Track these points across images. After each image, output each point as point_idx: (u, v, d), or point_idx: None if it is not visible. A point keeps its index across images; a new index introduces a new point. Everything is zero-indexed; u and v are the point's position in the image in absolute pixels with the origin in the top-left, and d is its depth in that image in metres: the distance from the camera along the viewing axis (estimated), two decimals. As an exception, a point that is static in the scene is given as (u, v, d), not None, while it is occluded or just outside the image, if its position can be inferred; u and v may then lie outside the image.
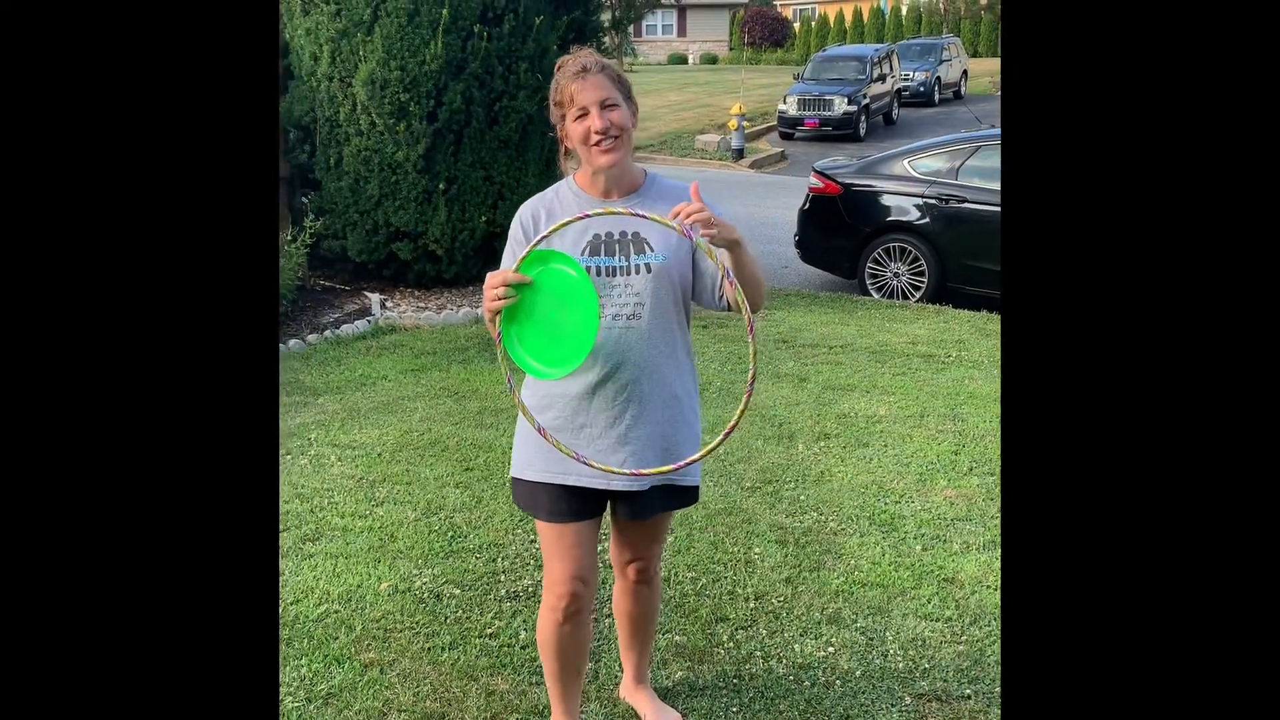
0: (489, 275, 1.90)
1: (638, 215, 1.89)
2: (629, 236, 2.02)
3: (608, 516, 2.22)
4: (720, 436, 1.90)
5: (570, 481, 2.06)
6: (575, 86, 1.95)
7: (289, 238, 6.23)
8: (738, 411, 1.87)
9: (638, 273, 2.00)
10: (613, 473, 1.95)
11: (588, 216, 1.89)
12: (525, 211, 2.09)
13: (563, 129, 2.02)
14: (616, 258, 2.00)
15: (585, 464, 1.92)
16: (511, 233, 2.09)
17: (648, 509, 2.13)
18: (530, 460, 2.11)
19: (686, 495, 2.18)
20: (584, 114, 1.96)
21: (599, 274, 1.98)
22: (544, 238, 1.86)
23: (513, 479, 2.18)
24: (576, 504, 2.09)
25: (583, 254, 1.99)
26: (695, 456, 1.98)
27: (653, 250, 2.01)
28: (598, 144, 1.95)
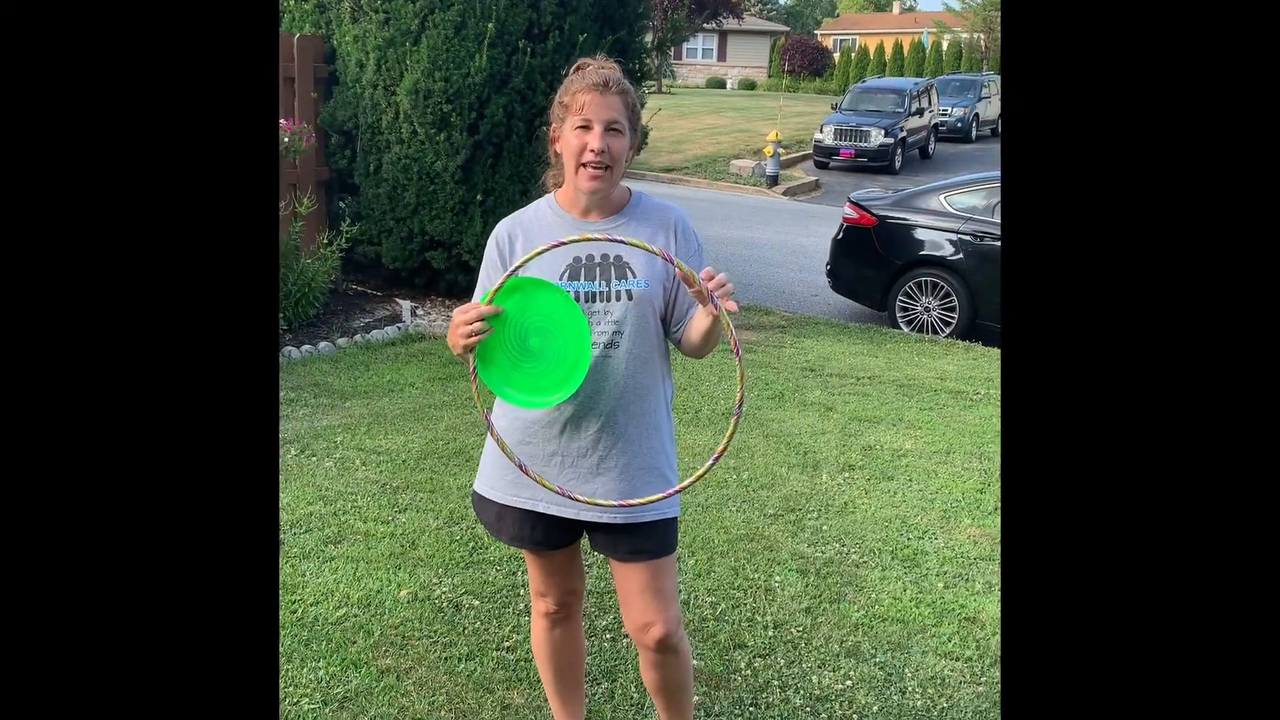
0: (457, 311, 1.81)
1: (614, 240, 1.76)
2: (610, 260, 1.92)
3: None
4: (692, 478, 1.82)
5: (540, 508, 1.98)
6: (589, 98, 1.85)
7: (325, 241, 6.28)
8: (716, 451, 1.80)
9: (618, 299, 1.90)
10: (582, 502, 1.86)
11: (562, 244, 1.75)
12: (501, 230, 1.98)
13: (557, 130, 1.93)
14: (597, 282, 1.90)
15: (569, 496, 1.85)
16: (486, 253, 1.99)
17: (619, 544, 1.99)
18: (494, 480, 2.03)
19: (659, 531, 1.99)
20: (586, 128, 1.86)
21: (578, 300, 1.88)
22: (515, 270, 1.76)
23: (475, 493, 2.10)
24: (541, 532, 2.02)
25: (561, 278, 1.89)
26: (668, 492, 1.89)
27: (635, 276, 1.92)
28: (587, 165, 1.86)
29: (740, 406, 1.78)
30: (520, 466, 1.86)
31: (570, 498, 1.86)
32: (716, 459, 1.79)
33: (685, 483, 1.85)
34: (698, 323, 1.89)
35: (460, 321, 1.79)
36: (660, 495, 1.89)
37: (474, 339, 1.78)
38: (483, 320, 1.78)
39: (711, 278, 1.73)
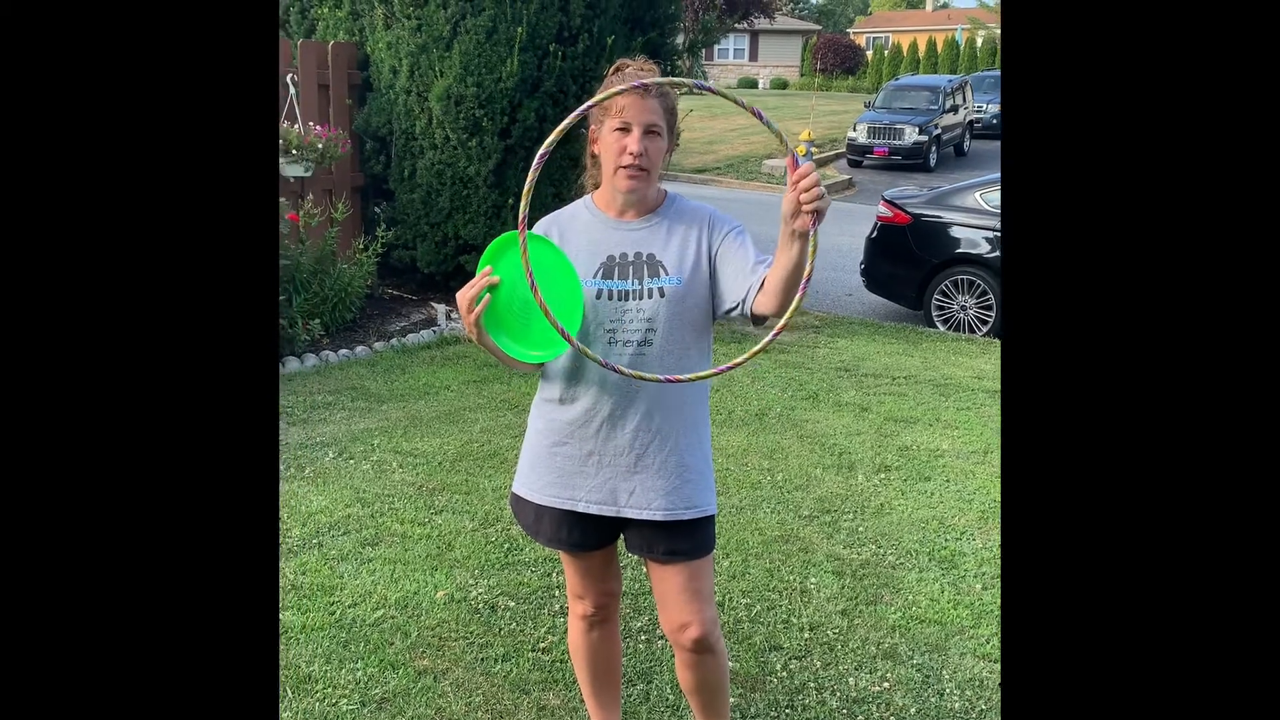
0: (458, 296, 1.84)
1: (704, 87, 1.70)
2: (643, 259, 1.92)
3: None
4: (747, 354, 1.74)
5: (579, 508, 1.98)
6: (628, 100, 1.86)
7: (360, 246, 6.35)
8: (782, 320, 1.72)
9: (650, 297, 1.90)
10: (630, 375, 1.78)
11: (642, 86, 1.75)
12: (539, 228, 2.00)
13: (596, 132, 1.94)
14: (629, 280, 1.91)
15: (616, 370, 1.77)
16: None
17: (656, 544, 1.99)
18: (532, 482, 2.04)
19: (698, 530, 2.00)
20: (625, 130, 1.87)
21: (610, 298, 1.90)
22: (536, 167, 1.68)
23: (513, 495, 2.10)
24: (578, 534, 2.02)
25: (595, 276, 1.91)
26: (707, 373, 1.82)
27: (667, 273, 1.92)
28: (625, 167, 1.87)
29: (808, 281, 1.66)
30: (609, 364, 1.77)
31: (620, 370, 1.78)
32: (779, 331, 1.73)
33: (754, 350, 1.73)
34: (778, 266, 1.75)
35: (464, 304, 1.83)
36: (724, 367, 1.79)
37: (476, 314, 1.81)
38: (483, 297, 1.81)
39: (804, 178, 1.62)
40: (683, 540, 1.99)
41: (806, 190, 1.62)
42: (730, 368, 1.79)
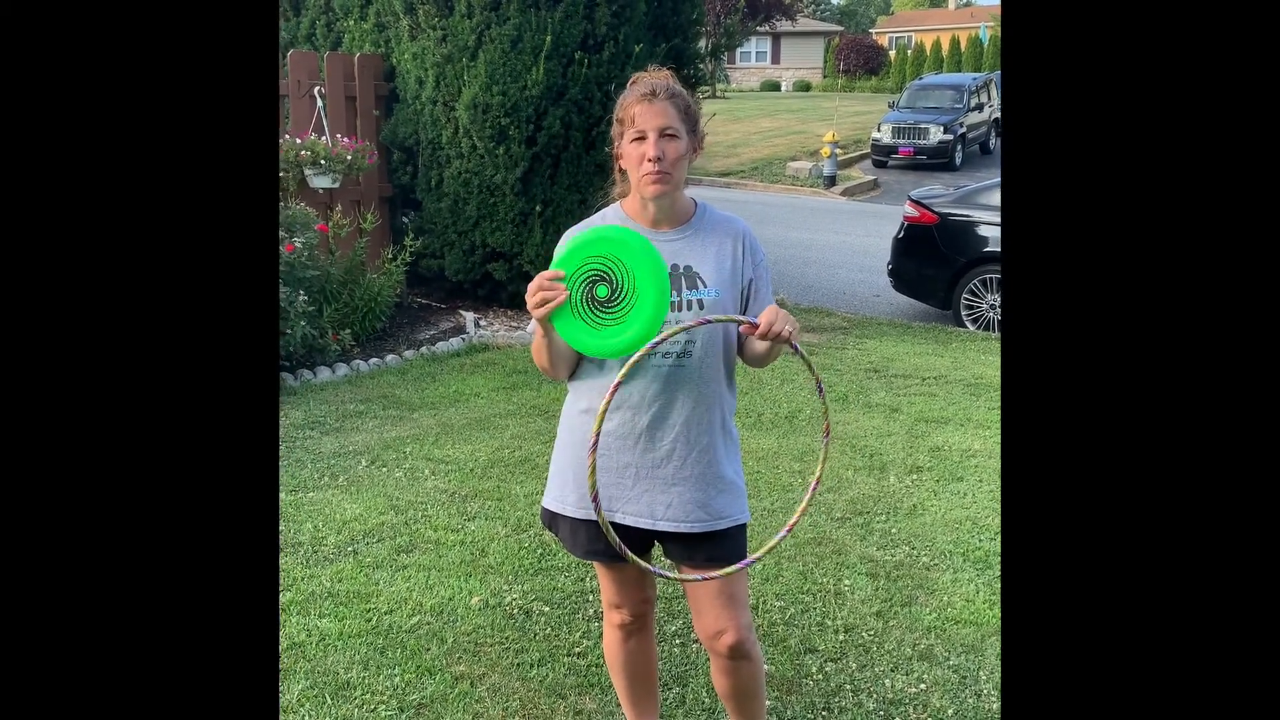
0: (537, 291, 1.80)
1: (706, 322, 1.81)
2: (681, 270, 1.95)
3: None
4: (771, 542, 1.97)
5: (614, 519, 1.97)
6: (639, 109, 1.89)
7: (389, 256, 6.40)
8: (797, 512, 1.95)
9: (689, 308, 1.92)
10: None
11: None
12: (571, 234, 1.99)
13: (619, 148, 1.97)
14: (670, 292, 1.90)
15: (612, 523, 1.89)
16: (556, 252, 2.00)
17: (695, 553, 2.00)
18: (566, 495, 2.04)
19: (732, 538, 2.02)
20: (641, 137, 1.89)
21: None
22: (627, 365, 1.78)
23: (545, 510, 2.10)
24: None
25: None
26: (750, 559, 1.99)
27: (705, 285, 1.94)
28: (648, 173, 1.89)
29: (816, 485, 1.95)
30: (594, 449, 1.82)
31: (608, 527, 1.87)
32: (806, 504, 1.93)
33: (750, 559, 1.99)
34: (758, 352, 1.98)
35: (534, 301, 1.79)
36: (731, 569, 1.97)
37: (545, 306, 1.78)
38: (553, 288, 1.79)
39: (767, 329, 1.79)
40: (717, 548, 2.00)
41: (775, 335, 1.79)
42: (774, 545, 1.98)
